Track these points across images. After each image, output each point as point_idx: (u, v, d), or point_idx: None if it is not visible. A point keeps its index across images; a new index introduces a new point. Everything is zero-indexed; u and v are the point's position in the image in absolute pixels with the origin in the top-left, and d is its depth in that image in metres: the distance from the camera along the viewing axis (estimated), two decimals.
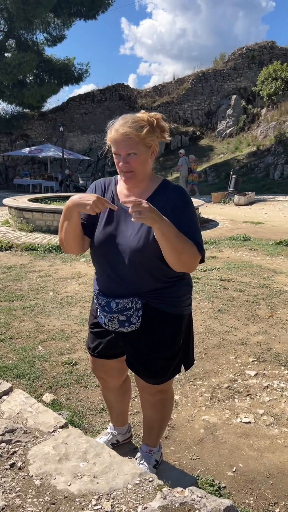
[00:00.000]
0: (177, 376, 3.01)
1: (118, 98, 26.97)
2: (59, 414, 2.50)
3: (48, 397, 2.73)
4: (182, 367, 1.95)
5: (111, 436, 2.24)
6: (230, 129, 24.33)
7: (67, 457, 1.13)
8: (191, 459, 2.26)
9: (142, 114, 1.64)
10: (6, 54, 22.28)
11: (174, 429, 2.50)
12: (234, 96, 24.73)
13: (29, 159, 25.84)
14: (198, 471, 2.15)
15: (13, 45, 23.42)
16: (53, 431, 1.25)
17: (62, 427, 1.27)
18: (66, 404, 2.67)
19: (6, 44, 23.04)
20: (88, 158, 24.19)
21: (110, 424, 2.28)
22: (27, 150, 22.73)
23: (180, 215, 1.63)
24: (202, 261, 1.65)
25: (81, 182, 21.14)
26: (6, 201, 9.44)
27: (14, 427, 1.25)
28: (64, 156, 20.50)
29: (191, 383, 2.94)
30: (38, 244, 6.99)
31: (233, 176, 15.24)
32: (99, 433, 2.34)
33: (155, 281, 1.72)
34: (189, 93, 26.16)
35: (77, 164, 25.74)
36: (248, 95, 24.81)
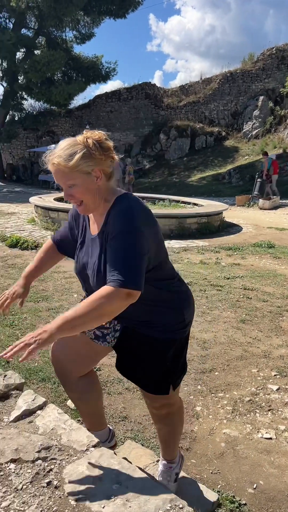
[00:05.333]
0: (198, 387, 3.05)
1: (144, 97, 26.99)
2: (82, 422, 2.59)
3: (72, 402, 2.80)
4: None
5: None
6: (256, 131, 24.08)
7: (101, 478, 1.18)
8: (212, 473, 2.29)
9: (80, 137, 1.52)
10: (35, 52, 22.57)
11: (196, 441, 2.53)
12: (261, 97, 24.46)
13: None
14: (219, 486, 2.18)
15: (42, 43, 23.69)
16: (86, 449, 1.30)
17: (94, 446, 1.32)
18: None
19: (36, 41, 23.32)
20: (121, 156, 24.28)
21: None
22: (52, 146, 22.69)
23: (110, 243, 1.49)
24: (132, 287, 1.41)
25: None
26: (32, 199, 9.59)
27: (50, 444, 1.31)
28: None
29: (212, 395, 2.97)
30: None
31: (258, 180, 15.09)
32: (123, 442, 2.39)
33: (131, 308, 1.50)
34: (216, 93, 25.99)
35: None
36: (276, 97, 24.49)
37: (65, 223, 1.91)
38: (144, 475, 1.18)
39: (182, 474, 2.14)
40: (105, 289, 1.38)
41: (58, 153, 1.47)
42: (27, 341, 1.29)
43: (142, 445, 2.43)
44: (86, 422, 2.03)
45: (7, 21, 22.90)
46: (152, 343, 1.70)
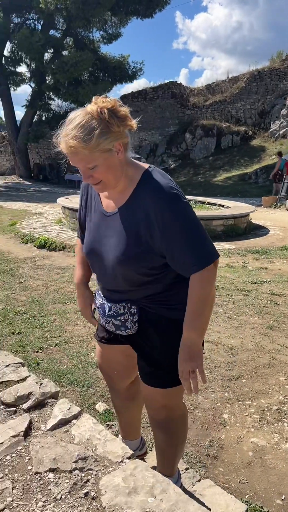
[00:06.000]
0: (226, 394, 3.05)
1: (170, 96, 26.92)
2: (110, 427, 2.64)
3: (101, 406, 2.84)
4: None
5: None
6: (284, 130, 23.69)
7: (136, 490, 1.21)
8: (239, 482, 2.30)
9: (92, 106, 1.31)
10: (63, 53, 22.83)
11: (223, 449, 2.54)
12: None
13: None
14: (247, 496, 2.19)
15: (70, 43, 23.93)
16: (121, 461, 1.34)
17: (129, 458, 1.35)
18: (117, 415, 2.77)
19: (64, 42, 23.57)
20: (138, 156, 24.26)
21: (119, 436, 2.10)
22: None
23: (166, 233, 1.37)
24: (216, 257, 1.42)
25: None
26: (60, 200, 9.72)
27: (86, 455, 1.35)
28: None
29: (240, 402, 2.97)
30: None
31: (286, 181, 14.87)
32: (152, 449, 2.42)
33: (145, 289, 1.53)
34: (243, 92, 25.69)
35: None
36: None
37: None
38: (179, 489, 1.20)
39: (210, 482, 2.16)
40: (198, 278, 1.40)
41: (73, 133, 1.27)
42: (190, 374, 1.40)
43: None
44: (122, 430, 2.08)
45: (36, 22, 23.28)
46: (169, 324, 1.57)
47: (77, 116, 1.31)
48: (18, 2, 21.12)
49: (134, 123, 1.37)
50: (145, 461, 2.10)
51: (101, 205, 1.54)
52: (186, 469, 2.18)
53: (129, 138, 1.40)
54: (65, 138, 1.29)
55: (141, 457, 2.16)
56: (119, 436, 2.11)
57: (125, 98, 27.78)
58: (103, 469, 1.31)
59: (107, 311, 1.60)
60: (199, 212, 9.56)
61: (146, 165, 1.48)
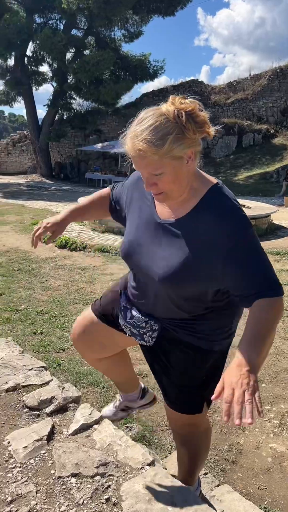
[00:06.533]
0: None
1: (191, 94, 26.70)
2: (130, 429, 2.67)
3: None
4: None
5: (118, 402, 2.10)
6: None
7: (156, 498, 1.23)
8: (258, 488, 2.30)
9: (168, 107, 1.18)
10: (85, 52, 22.97)
11: (242, 454, 2.54)
12: None
13: (101, 154, 26.49)
14: (265, 502, 2.19)
15: (91, 42, 24.05)
16: (141, 467, 1.36)
17: (149, 464, 1.37)
18: (137, 417, 2.80)
19: (86, 41, 23.70)
20: None
21: (118, 394, 2.15)
22: (99, 145, 23.39)
23: (235, 259, 1.22)
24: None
25: None
26: (81, 199, 9.79)
27: (107, 460, 1.38)
28: None
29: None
30: (109, 246, 7.24)
31: None
32: (171, 452, 2.44)
33: (178, 313, 1.40)
34: (265, 90, 25.39)
35: None
36: None
37: (116, 188, 1.66)
38: (198, 498, 1.22)
39: (228, 488, 2.17)
40: (268, 303, 1.19)
41: (144, 135, 1.15)
42: (246, 400, 1.00)
43: None
44: (117, 387, 2.09)
45: (58, 22, 23.47)
46: (189, 351, 1.45)
47: (149, 116, 1.18)
48: (41, 3, 21.36)
49: (212, 130, 1.25)
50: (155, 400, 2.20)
51: (154, 209, 1.39)
52: (205, 474, 2.20)
53: (201, 146, 1.28)
54: (134, 140, 1.17)
55: (151, 403, 2.16)
56: (118, 395, 2.14)
57: (145, 97, 27.78)
58: (124, 475, 1.33)
59: (128, 317, 1.52)
60: None
61: (214, 180, 1.35)
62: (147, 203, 1.42)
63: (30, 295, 5.11)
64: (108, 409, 2.10)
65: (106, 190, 1.71)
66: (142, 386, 2.10)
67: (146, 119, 1.18)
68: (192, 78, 27.68)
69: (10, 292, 5.20)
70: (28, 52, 23.83)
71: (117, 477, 1.32)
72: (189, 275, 1.27)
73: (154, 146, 1.14)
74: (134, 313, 1.50)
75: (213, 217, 1.24)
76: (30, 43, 22.83)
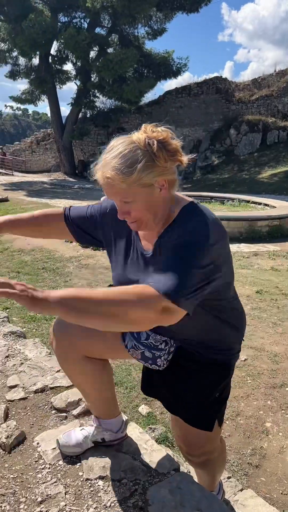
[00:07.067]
0: (268, 402, 3.04)
1: (215, 91, 26.60)
2: (153, 430, 2.69)
3: (144, 409, 2.90)
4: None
5: (95, 430, 1.58)
6: None
7: (182, 503, 1.25)
8: (281, 493, 2.29)
9: (140, 135, 1.16)
10: (108, 50, 23.05)
11: (265, 458, 2.54)
12: None
13: None
14: None
15: (115, 40, 24.12)
16: (167, 472, 1.38)
17: (175, 470, 1.40)
18: (160, 418, 2.82)
19: (109, 39, 23.79)
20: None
21: (93, 416, 1.66)
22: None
23: (169, 254, 1.16)
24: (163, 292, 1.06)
25: None
26: (104, 198, 9.86)
27: (134, 464, 1.40)
28: None
29: (283, 411, 2.94)
30: None
31: None
32: None
33: (191, 327, 1.31)
34: None
35: None
36: None
37: (85, 208, 1.55)
38: (224, 505, 1.24)
39: (252, 493, 2.17)
40: (143, 288, 1.08)
41: (113, 164, 1.13)
42: (17, 288, 1.03)
43: None
44: (93, 409, 1.64)
45: (82, 21, 23.62)
46: (207, 366, 1.39)
47: (119, 144, 1.16)
48: (65, 2, 21.53)
49: (185, 158, 1.21)
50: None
51: (139, 242, 1.35)
52: (228, 477, 2.20)
53: (176, 175, 1.24)
54: (103, 168, 1.16)
55: (118, 441, 1.63)
56: (92, 417, 1.67)
57: (168, 94, 27.71)
58: (150, 480, 1.36)
59: (142, 338, 1.33)
60: (244, 212, 9.45)
61: (189, 200, 1.29)
62: (132, 236, 1.38)
63: None
64: (74, 437, 1.58)
65: (54, 209, 1.60)
66: (123, 417, 1.72)
67: (116, 147, 1.16)
68: (215, 74, 27.47)
69: None
70: (52, 51, 24.08)
71: (144, 481, 1.35)
72: None
73: (122, 174, 1.13)
74: (150, 332, 1.34)
75: (176, 231, 1.20)
76: (54, 42, 23.05)
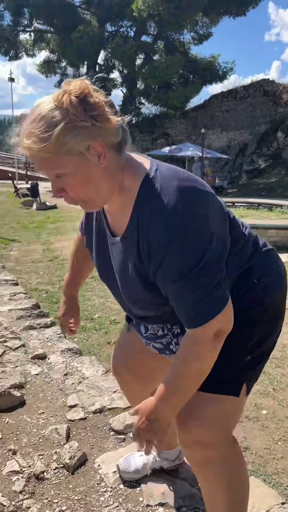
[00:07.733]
0: None
1: (262, 94, 26.14)
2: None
3: None
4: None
5: (153, 459, 1.61)
6: None
7: None
8: None
9: (56, 94, 0.92)
10: (154, 57, 23.26)
11: None
12: None
13: (168, 157, 26.69)
14: None
15: (161, 46, 24.30)
16: None
17: None
18: None
19: (155, 46, 24.00)
20: (226, 156, 24.04)
21: (155, 453, 1.60)
22: (167, 149, 23.52)
23: (168, 282, 1.00)
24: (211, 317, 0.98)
25: (217, 181, 21.12)
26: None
27: (192, 492, 1.44)
28: (203, 155, 20.69)
29: None
30: None
31: None
32: None
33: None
34: None
35: (214, 162, 25.77)
36: None
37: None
38: None
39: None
40: (189, 346, 1.02)
41: (29, 128, 0.92)
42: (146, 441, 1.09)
43: (264, 480, 2.45)
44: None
45: (129, 30, 24.01)
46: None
47: (37, 106, 0.94)
48: (113, 12, 21.95)
49: (114, 119, 0.98)
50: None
51: (106, 227, 1.16)
52: (283, 503, 2.18)
53: (121, 136, 1.04)
54: (22, 136, 0.94)
55: (173, 467, 1.65)
56: (154, 453, 1.59)
57: (215, 98, 27.53)
58: None
59: (143, 332, 1.28)
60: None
61: (147, 165, 1.06)
62: (99, 220, 1.20)
63: (103, 304, 5.29)
64: (133, 463, 1.60)
65: (77, 238, 1.49)
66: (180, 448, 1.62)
67: (34, 110, 0.94)
68: (261, 74, 27.11)
69: (84, 300, 5.42)
70: (100, 60, 24.62)
71: (203, 510, 1.38)
72: (147, 298, 1.13)
73: (39, 141, 0.90)
74: (146, 323, 1.27)
75: (146, 219, 0.99)
76: (102, 52, 23.56)
